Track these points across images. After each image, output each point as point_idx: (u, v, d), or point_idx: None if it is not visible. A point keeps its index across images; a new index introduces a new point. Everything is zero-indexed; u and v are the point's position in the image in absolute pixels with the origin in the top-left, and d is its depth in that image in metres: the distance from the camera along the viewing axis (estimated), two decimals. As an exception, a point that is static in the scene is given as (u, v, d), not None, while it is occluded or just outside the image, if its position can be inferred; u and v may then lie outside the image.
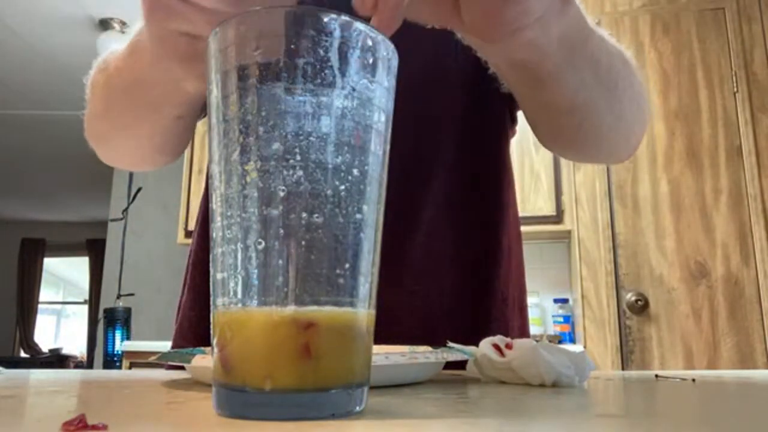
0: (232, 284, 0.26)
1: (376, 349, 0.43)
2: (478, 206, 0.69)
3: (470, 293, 0.67)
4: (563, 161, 2.45)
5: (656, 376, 0.50)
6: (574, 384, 0.40)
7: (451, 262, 0.67)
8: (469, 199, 0.69)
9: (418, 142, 0.66)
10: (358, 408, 0.27)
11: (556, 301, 2.53)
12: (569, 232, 2.42)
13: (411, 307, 0.63)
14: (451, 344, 0.49)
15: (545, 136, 0.63)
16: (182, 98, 0.51)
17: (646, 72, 2.32)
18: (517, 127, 0.79)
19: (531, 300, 2.58)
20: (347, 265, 0.26)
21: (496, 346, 0.44)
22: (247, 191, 0.26)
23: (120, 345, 2.95)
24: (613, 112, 0.57)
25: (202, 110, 0.63)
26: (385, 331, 0.58)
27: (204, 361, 0.40)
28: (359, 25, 0.27)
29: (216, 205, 0.27)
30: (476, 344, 0.46)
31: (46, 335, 7.77)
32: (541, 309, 2.58)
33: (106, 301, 3.55)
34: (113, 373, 0.59)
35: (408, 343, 0.56)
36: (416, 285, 0.64)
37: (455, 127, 0.70)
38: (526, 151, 2.47)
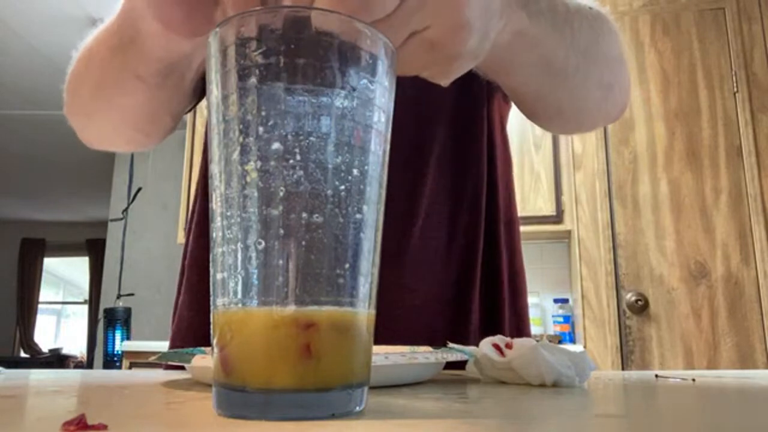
0: (232, 284, 0.26)
1: (377, 349, 0.43)
2: (470, 194, 0.69)
3: (468, 285, 0.66)
4: (563, 161, 2.45)
5: (656, 376, 0.50)
6: (575, 384, 0.40)
7: (448, 256, 0.66)
8: (461, 188, 0.68)
9: (411, 137, 0.66)
10: (358, 408, 0.27)
11: (556, 301, 2.53)
12: (569, 232, 2.42)
13: (411, 305, 0.63)
14: (451, 345, 0.49)
15: (525, 112, 0.66)
16: (149, 53, 0.49)
17: (646, 72, 2.32)
18: (516, 123, 0.79)
19: (531, 300, 2.57)
20: (347, 265, 0.26)
21: (497, 346, 0.44)
22: (247, 191, 0.26)
23: (120, 345, 2.96)
24: (585, 86, 0.59)
25: (189, 100, 0.62)
26: (388, 330, 0.58)
27: (204, 361, 0.40)
28: (359, 25, 0.27)
29: (216, 205, 0.27)
30: (478, 341, 0.46)
31: (46, 335, 7.77)
32: (541, 309, 2.58)
33: (106, 301, 3.56)
34: (113, 373, 0.59)
35: (411, 342, 0.56)
36: (416, 283, 0.64)
37: (446, 116, 0.69)
38: (526, 151, 2.47)
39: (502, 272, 0.69)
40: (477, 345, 0.64)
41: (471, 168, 0.69)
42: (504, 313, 0.68)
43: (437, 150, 0.68)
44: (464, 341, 0.63)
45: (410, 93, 0.59)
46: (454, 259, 0.67)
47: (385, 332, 0.53)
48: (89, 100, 0.61)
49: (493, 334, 0.67)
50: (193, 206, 0.77)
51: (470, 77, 0.60)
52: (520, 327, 0.71)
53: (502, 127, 0.77)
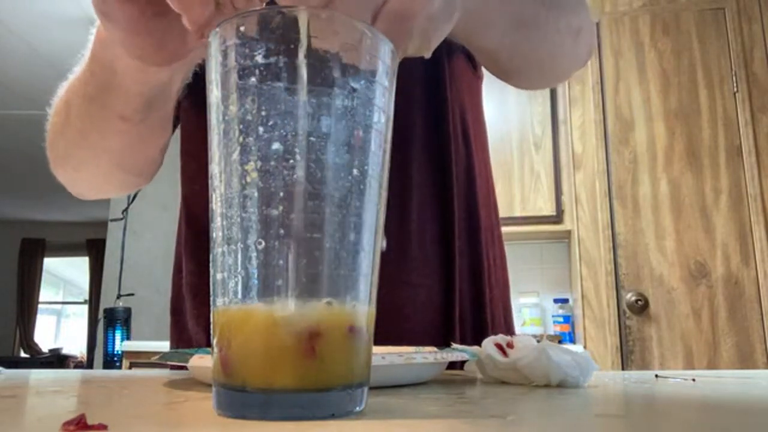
0: (232, 284, 0.26)
1: (379, 349, 0.43)
2: (449, 179, 0.67)
3: (462, 276, 0.66)
4: (563, 161, 2.45)
5: (656, 376, 0.50)
6: (579, 385, 0.40)
7: (442, 249, 0.66)
8: (442, 174, 0.67)
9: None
10: (358, 408, 0.27)
11: (556, 301, 2.53)
12: (569, 232, 2.42)
13: (416, 302, 0.63)
14: (454, 345, 0.49)
15: (500, 73, 0.67)
16: (129, 90, 0.49)
17: (646, 72, 2.32)
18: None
19: (531, 300, 2.58)
20: (347, 265, 0.26)
21: (499, 346, 0.44)
22: (247, 191, 0.26)
23: (120, 345, 2.95)
24: (557, 33, 0.61)
25: (171, 129, 0.62)
26: (396, 329, 0.58)
27: (204, 361, 0.40)
28: (359, 25, 0.27)
29: (216, 205, 0.27)
30: (479, 336, 0.46)
31: (46, 335, 7.77)
32: (541, 309, 2.58)
33: (106, 301, 3.55)
34: (113, 373, 0.59)
35: (419, 339, 0.56)
36: (419, 279, 0.64)
37: (418, 107, 0.67)
38: (526, 151, 2.47)
39: (482, 253, 0.69)
40: (461, 334, 0.64)
41: (447, 151, 0.68)
42: (486, 298, 0.68)
43: (416, 138, 0.66)
44: (451, 330, 0.64)
45: None
46: (445, 247, 0.66)
47: (396, 331, 0.53)
48: (74, 150, 0.60)
49: (480, 319, 0.67)
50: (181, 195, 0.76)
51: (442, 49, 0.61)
52: (506, 314, 0.72)
53: (474, 107, 0.75)
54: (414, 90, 0.67)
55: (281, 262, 0.25)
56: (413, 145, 0.66)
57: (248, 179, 0.26)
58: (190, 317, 0.69)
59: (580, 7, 0.65)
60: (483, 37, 0.56)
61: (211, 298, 0.27)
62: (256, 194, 0.26)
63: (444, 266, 0.66)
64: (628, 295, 2.15)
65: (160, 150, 0.65)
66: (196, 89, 0.65)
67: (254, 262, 0.25)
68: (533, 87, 0.74)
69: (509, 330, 0.73)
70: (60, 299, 8.37)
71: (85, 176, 0.65)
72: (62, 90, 0.59)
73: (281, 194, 0.25)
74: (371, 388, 0.28)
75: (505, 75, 0.67)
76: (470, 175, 0.70)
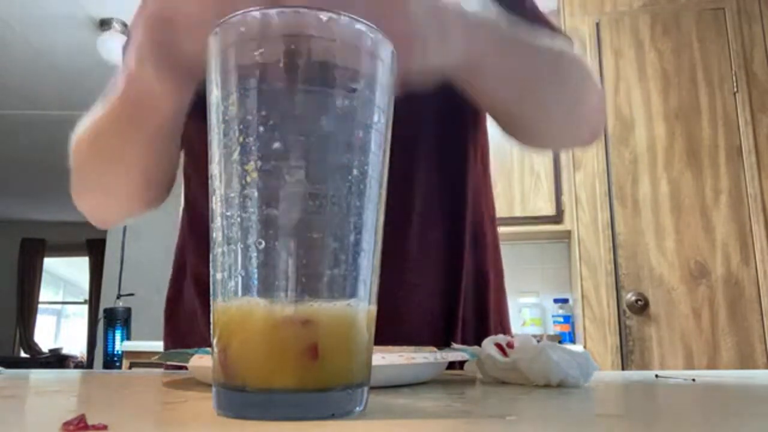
0: (232, 284, 0.26)
1: (379, 349, 0.43)
2: (458, 189, 0.69)
3: (463, 280, 0.67)
4: (563, 162, 2.45)
5: (656, 376, 0.50)
6: (580, 385, 0.40)
7: (444, 252, 0.67)
8: (450, 184, 0.69)
9: (401, 133, 0.66)
10: (358, 408, 0.26)
11: (556, 301, 2.53)
12: (569, 232, 2.42)
13: (412, 303, 0.63)
14: (454, 345, 0.49)
15: (500, 125, 0.67)
16: (160, 113, 0.52)
17: (646, 72, 2.32)
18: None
19: (531, 300, 2.58)
20: (347, 265, 0.26)
21: (499, 346, 0.44)
22: (247, 191, 0.26)
23: (120, 345, 2.96)
24: (555, 109, 0.63)
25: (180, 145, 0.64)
26: (393, 331, 0.59)
27: (204, 361, 0.40)
28: (359, 26, 0.27)
29: (216, 205, 0.27)
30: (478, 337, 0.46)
31: (46, 335, 7.76)
32: (541, 309, 2.58)
33: (106, 301, 3.56)
34: (113, 373, 0.59)
35: (415, 340, 0.56)
36: (416, 279, 0.64)
37: (434, 116, 0.69)
38: (526, 151, 2.47)
39: (486, 263, 0.71)
40: (462, 334, 0.64)
41: (456, 160, 0.70)
42: (489, 303, 0.70)
43: (424, 147, 0.68)
44: (453, 331, 0.65)
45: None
46: (447, 252, 0.67)
47: (393, 332, 0.54)
48: (107, 175, 0.63)
49: (481, 322, 0.68)
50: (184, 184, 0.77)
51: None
52: (502, 315, 0.73)
53: (483, 118, 0.77)
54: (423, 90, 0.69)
55: (281, 262, 0.25)
56: (419, 148, 0.67)
57: (248, 179, 0.26)
58: (202, 314, 0.69)
59: (587, 89, 0.66)
60: (496, 92, 0.57)
61: (211, 298, 0.27)
62: (256, 194, 0.26)
63: (448, 269, 0.66)
64: (628, 295, 2.15)
65: (177, 165, 0.67)
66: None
67: (254, 262, 0.25)
68: (540, 147, 0.74)
69: (506, 331, 0.74)
70: (60, 299, 8.36)
71: (115, 200, 0.67)
72: (84, 128, 0.61)
73: (281, 194, 0.25)
74: (371, 388, 0.28)
75: (512, 131, 0.67)
76: (476, 184, 0.72)
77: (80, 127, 0.63)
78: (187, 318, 0.72)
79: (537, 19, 0.67)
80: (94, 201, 0.68)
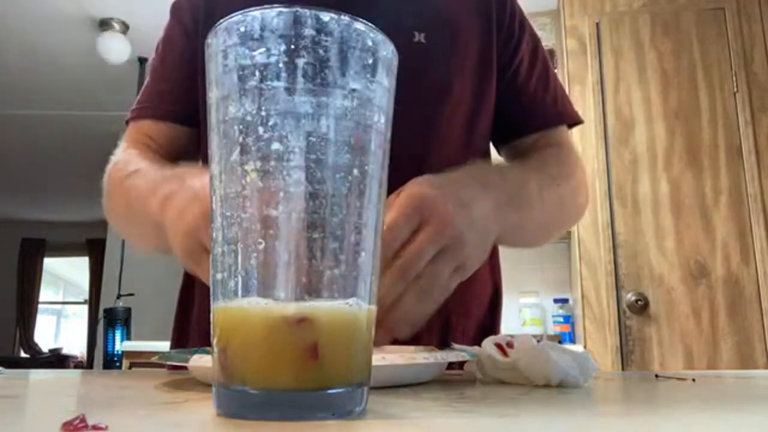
0: (232, 284, 0.26)
1: (379, 349, 0.43)
2: None
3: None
4: (563, 161, 2.44)
5: (656, 376, 0.50)
6: (580, 385, 0.40)
7: None
8: None
9: (426, 146, 0.69)
10: (358, 408, 0.26)
11: (556, 301, 2.53)
12: (569, 232, 2.42)
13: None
14: (454, 345, 0.49)
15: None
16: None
17: (646, 72, 2.32)
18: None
19: (531, 300, 2.58)
20: (347, 265, 0.26)
21: (499, 346, 0.44)
22: (247, 191, 0.26)
23: (120, 345, 2.95)
24: (551, 233, 0.74)
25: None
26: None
27: (204, 361, 0.40)
28: (359, 26, 0.27)
29: (216, 205, 0.27)
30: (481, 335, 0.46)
31: (46, 335, 7.76)
32: (541, 309, 2.58)
33: (106, 301, 3.55)
34: (113, 373, 0.59)
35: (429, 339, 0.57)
36: None
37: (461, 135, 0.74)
38: (526, 151, 2.47)
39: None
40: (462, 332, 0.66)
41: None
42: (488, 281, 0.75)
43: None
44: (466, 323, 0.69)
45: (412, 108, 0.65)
46: None
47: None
48: (126, 232, 0.72)
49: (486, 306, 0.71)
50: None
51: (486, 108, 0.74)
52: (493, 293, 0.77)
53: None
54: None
55: (281, 262, 0.25)
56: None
57: (248, 179, 0.26)
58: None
59: (577, 208, 0.75)
60: (513, 241, 0.66)
61: (211, 298, 0.27)
62: (256, 194, 0.26)
63: None
64: (628, 295, 2.15)
65: None
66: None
67: (254, 262, 0.25)
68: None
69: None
70: (60, 299, 8.36)
71: (133, 241, 0.74)
72: (124, 178, 0.67)
73: (281, 194, 0.25)
74: (371, 388, 0.28)
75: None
76: None
77: (116, 165, 0.70)
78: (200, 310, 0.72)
79: (548, 79, 0.78)
80: (118, 229, 0.74)
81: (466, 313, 0.70)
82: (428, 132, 0.69)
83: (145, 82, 0.78)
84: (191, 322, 0.72)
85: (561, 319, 2.46)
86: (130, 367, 2.64)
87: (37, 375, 0.57)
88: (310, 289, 0.25)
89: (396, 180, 0.50)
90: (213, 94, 0.28)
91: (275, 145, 0.26)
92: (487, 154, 0.78)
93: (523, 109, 0.77)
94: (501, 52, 0.75)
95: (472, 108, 0.72)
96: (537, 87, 0.77)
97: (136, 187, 0.64)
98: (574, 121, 0.79)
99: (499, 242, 0.67)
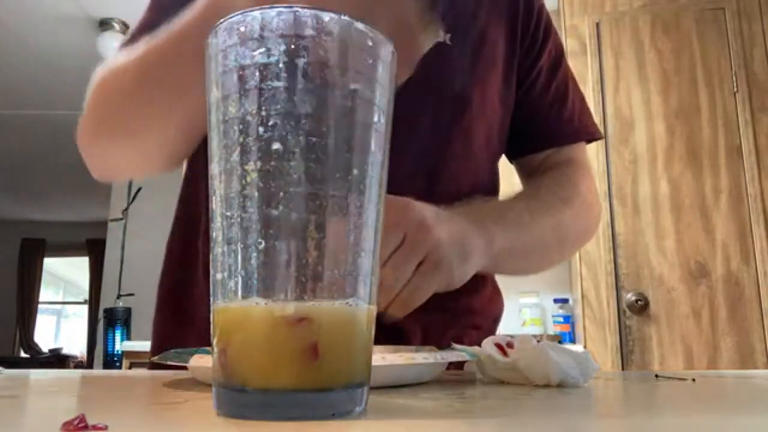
0: (232, 284, 0.26)
1: (379, 349, 0.43)
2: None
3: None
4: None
5: (656, 376, 0.50)
6: (580, 385, 0.40)
7: None
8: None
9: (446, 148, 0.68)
10: (358, 408, 0.26)
11: (556, 301, 2.53)
12: (569, 232, 2.41)
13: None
14: (454, 345, 0.49)
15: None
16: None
17: (646, 72, 2.32)
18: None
19: (531, 300, 2.58)
20: (347, 265, 0.26)
21: (499, 346, 0.44)
22: (247, 191, 0.26)
23: (120, 345, 2.95)
24: (554, 261, 0.75)
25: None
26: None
27: (204, 361, 0.40)
28: (359, 26, 0.27)
29: (216, 205, 0.27)
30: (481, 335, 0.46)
31: (46, 335, 7.76)
32: (541, 309, 2.58)
33: (106, 301, 3.55)
34: (113, 373, 0.59)
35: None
36: None
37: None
38: (526, 151, 2.47)
39: None
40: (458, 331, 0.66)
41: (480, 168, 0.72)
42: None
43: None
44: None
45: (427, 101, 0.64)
46: None
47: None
48: (142, 117, 0.55)
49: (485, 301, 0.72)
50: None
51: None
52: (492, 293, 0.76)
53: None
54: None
55: (281, 262, 0.25)
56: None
57: (248, 179, 0.26)
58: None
59: (587, 191, 0.74)
60: (509, 266, 0.66)
61: (211, 298, 0.27)
62: (256, 194, 0.26)
63: None
64: (628, 295, 2.15)
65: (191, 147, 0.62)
66: None
67: (254, 262, 0.25)
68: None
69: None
70: (60, 299, 8.36)
71: (139, 146, 0.58)
72: (121, 62, 0.55)
73: (281, 194, 0.25)
74: (371, 388, 0.28)
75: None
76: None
77: (109, 64, 0.56)
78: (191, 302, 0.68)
79: (566, 92, 0.74)
80: (111, 144, 0.59)
81: (475, 327, 0.70)
82: (443, 147, 0.64)
83: (139, 20, 0.66)
84: (183, 310, 0.69)
85: (561, 319, 2.45)
86: (130, 367, 2.64)
87: (37, 375, 0.57)
88: (310, 288, 0.25)
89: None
90: (213, 94, 0.28)
91: (275, 145, 0.26)
92: (496, 175, 0.74)
93: (538, 124, 0.73)
94: (521, 61, 0.70)
95: (489, 123, 0.68)
96: (554, 101, 0.73)
97: (148, 48, 0.52)
98: (592, 137, 0.75)
99: (495, 270, 0.68)
